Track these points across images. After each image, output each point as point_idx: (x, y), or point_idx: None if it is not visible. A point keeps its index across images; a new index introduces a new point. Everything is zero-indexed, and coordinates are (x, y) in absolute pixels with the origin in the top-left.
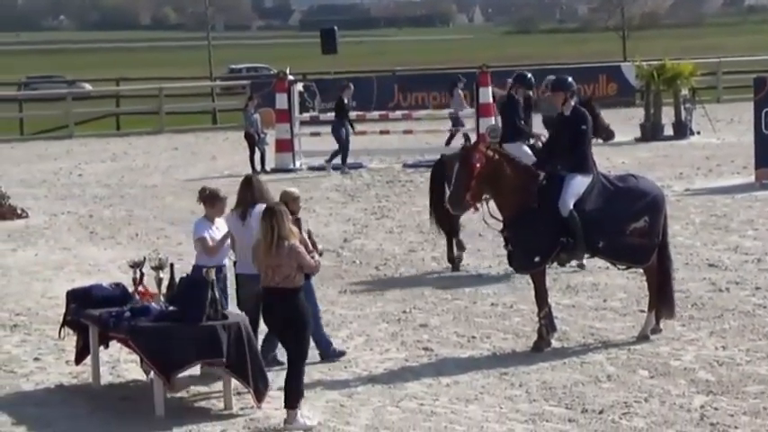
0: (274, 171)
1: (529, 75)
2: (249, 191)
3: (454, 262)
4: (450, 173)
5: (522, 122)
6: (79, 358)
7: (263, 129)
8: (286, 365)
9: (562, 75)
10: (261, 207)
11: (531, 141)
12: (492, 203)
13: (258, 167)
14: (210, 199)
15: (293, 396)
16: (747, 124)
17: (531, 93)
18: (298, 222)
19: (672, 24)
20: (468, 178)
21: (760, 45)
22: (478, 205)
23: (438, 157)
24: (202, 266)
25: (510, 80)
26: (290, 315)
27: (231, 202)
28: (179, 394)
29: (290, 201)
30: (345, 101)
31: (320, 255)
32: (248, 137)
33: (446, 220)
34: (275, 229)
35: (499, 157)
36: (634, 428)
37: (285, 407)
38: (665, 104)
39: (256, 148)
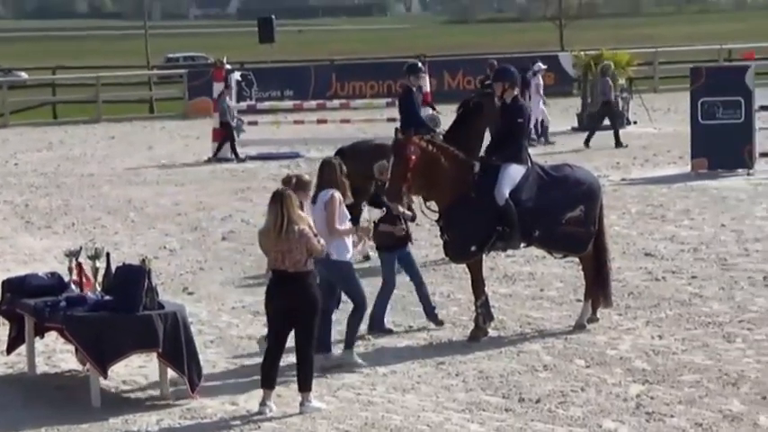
0: (211, 161)
1: (419, 63)
2: (323, 176)
3: None
4: (348, 166)
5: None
6: (10, 348)
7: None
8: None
9: (506, 64)
10: (328, 192)
11: (431, 135)
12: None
13: (228, 154)
14: (301, 186)
15: (305, 380)
16: (684, 114)
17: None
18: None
19: (609, 14)
20: (404, 170)
21: (696, 35)
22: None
23: None
24: None
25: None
26: (301, 299)
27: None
28: (115, 384)
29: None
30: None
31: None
32: (224, 125)
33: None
34: (284, 214)
35: (434, 147)
36: (570, 417)
37: (299, 390)
38: None
39: (235, 134)
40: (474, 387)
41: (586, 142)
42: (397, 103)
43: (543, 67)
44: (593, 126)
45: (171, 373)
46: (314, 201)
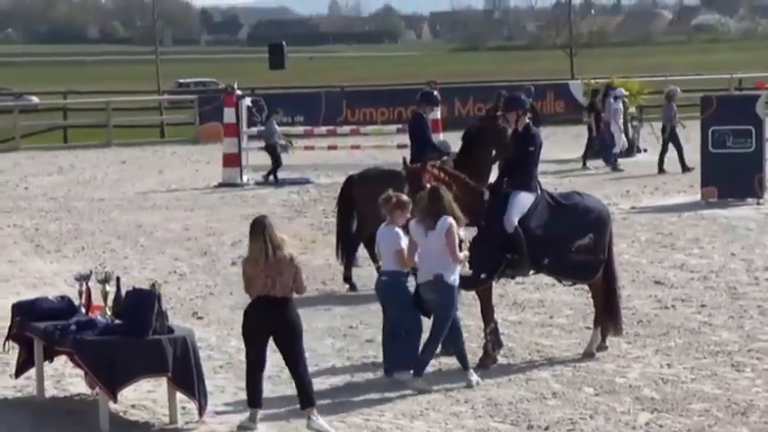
0: (221, 186)
1: (435, 92)
2: (437, 202)
3: (351, 281)
4: (357, 193)
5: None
6: (19, 371)
7: (279, 139)
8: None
9: (516, 93)
10: (447, 220)
11: (445, 158)
12: None
13: (271, 177)
14: (401, 206)
15: (307, 397)
16: (694, 143)
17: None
18: None
19: (619, 43)
20: None
21: (706, 64)
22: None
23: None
24: (393, 272)
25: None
26: (286, 322)
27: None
28: (123, 408)
29: None
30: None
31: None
32: (269, 148)
33: (348, 240)
34: (269, 240)
35: (446, 175)
36: None
37: (302, 408)
38: None
39: (281, 155)
40: (483, 414)
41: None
42: (408, 129)
43: (625, 93)
44: (663, 151)
45: (179, 396)
46: (430, 227)
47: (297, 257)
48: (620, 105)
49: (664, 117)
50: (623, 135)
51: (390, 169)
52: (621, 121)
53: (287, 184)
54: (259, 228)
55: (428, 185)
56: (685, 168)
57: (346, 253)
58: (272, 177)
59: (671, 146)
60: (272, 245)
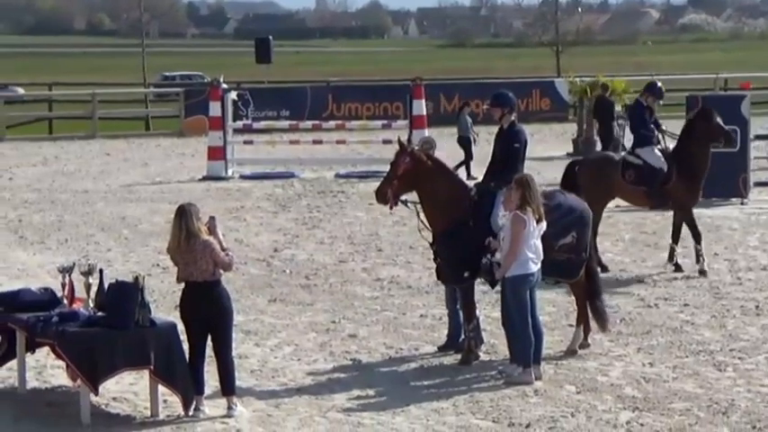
0: (205, 179)
1: (659, 84)
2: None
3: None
4: (581, 177)
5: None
6: (1, 363)
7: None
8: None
9: (503, 90)
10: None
11: (661, 146)
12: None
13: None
14: None
15: (229, 385)
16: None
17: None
18: None
19: (606, 41)
20: (393, 176)
21: (693, 63)
22: (420, 218)
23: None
24: None
25: None
26: (213, 308)
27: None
28: (105, 401)
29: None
30: None
31: None
32: (462, 140)
33: None
34: (184, 227)
35: (432, 163)
36: None
37: (224, 395)
38: None
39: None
40: (464, 411)
41: None
42: (628, 116)
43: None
44: None
45: (162, 389)
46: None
47: (211, 243)
48: None
49: None
50: None
51: (607, 155)
52: None
53: (270, 178)
54: (178, 215)
55: (405, 167)
56: None
57: None
58: (464, 169)
59: None
60: (187, 232)
